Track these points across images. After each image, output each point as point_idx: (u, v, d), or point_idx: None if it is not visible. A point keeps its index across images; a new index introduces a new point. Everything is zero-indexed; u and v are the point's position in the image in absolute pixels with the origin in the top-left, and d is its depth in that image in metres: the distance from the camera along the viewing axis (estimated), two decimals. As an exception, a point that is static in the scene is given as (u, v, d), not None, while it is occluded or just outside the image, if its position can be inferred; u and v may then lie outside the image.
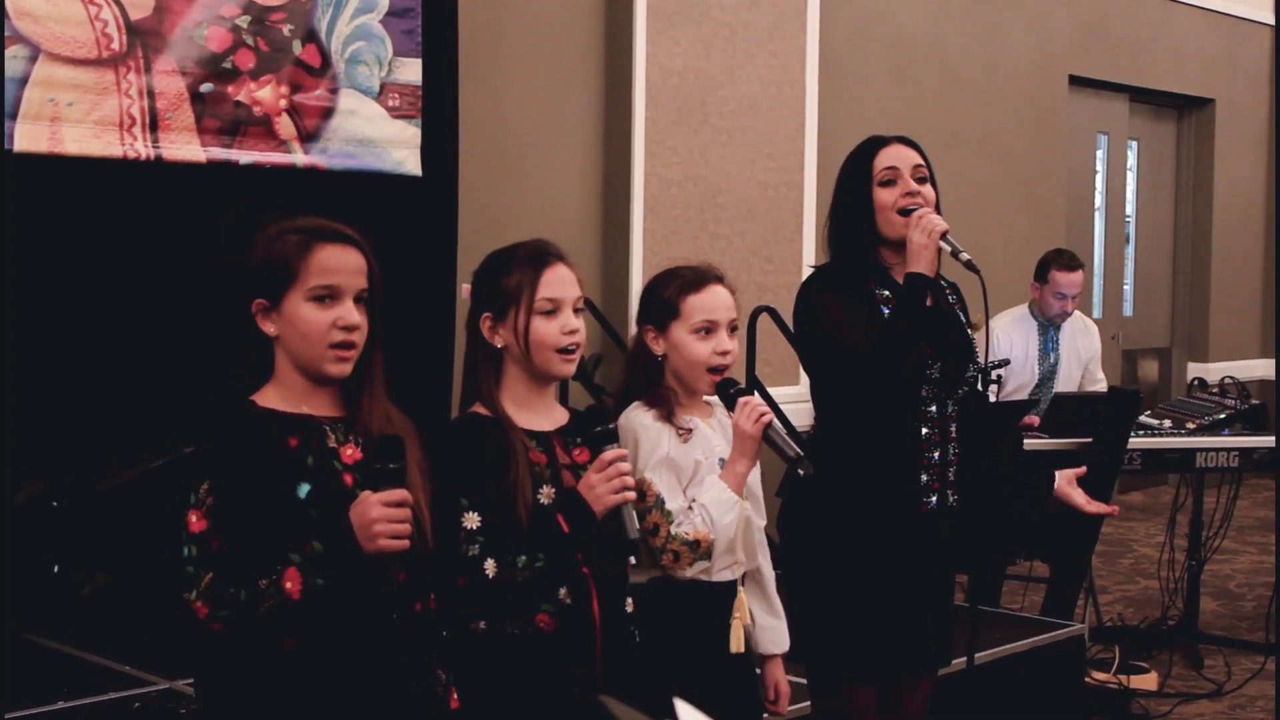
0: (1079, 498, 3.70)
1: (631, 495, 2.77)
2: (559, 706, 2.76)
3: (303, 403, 2.56)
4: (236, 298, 2.57)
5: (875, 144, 3.59)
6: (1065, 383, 6.59)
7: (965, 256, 3.44)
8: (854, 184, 3.58)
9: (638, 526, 2.78)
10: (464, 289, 2.97)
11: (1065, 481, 3.70)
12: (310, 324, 2.52)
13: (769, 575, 3.36)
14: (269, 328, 2.56)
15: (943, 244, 3.45)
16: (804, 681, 3.69)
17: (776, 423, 3.10)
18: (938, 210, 3.57)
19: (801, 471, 3.13)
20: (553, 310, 2.83)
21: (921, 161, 3.57)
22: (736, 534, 3.11)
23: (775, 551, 3.53)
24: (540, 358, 2.83)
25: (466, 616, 2.75)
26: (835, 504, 3.53)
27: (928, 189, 3.55)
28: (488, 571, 2.70)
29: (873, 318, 3.48)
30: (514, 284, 2.84)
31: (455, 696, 2.69)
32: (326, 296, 2.53)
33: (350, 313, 2.54)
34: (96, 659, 3.85)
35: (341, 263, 2.55)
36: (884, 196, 3.53)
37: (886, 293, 3.52)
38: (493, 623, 2.75)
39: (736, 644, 3.15)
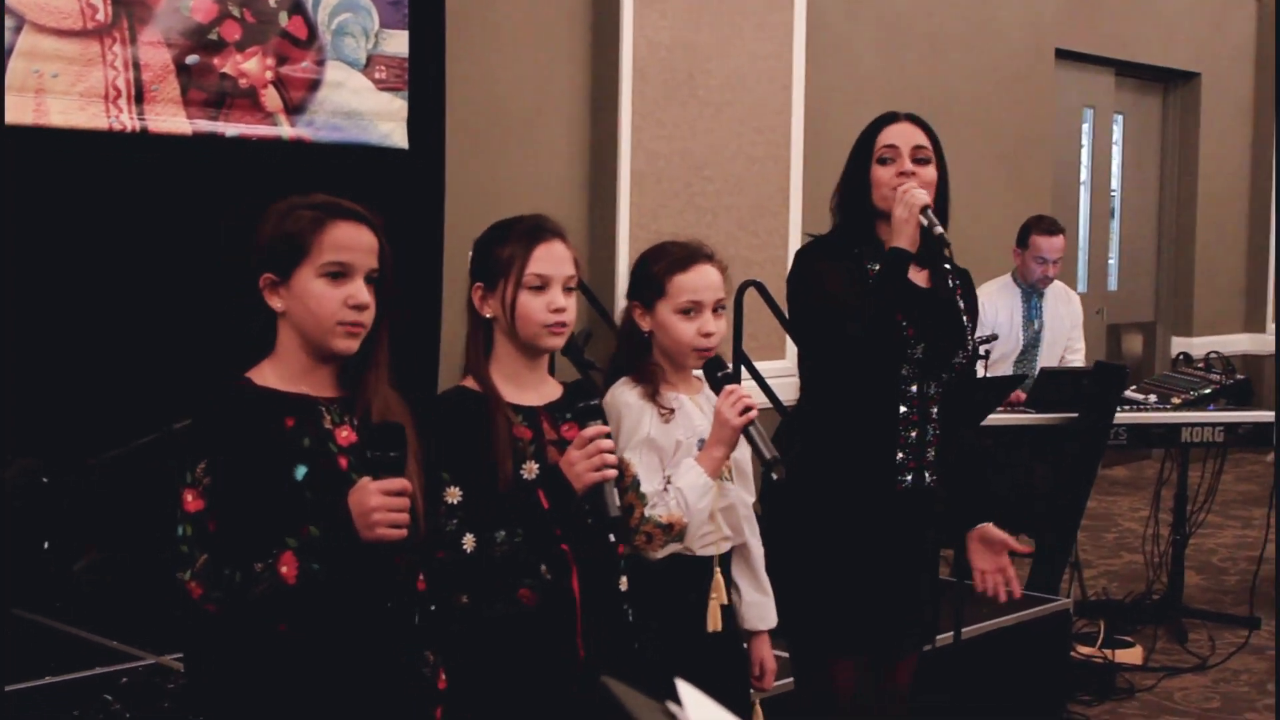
0: (997, 537, 3.72)
1: (612, 473, 2.76)
2: (541, 682, 2.76)
3: (301, 382, 2.55)
4: (243, 271, 2.55)
5: (883, 120, 3.63)
6: (1049, 349, 6.63)
7: (938, 230, 3.46)
8: (856, 158, 3.62)
9: (619, 504, 2.77)
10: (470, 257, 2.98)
11: (977, 539, 3.72)
12: (321, 300, 2.51)
13: (757, 551, 3.36)
14: (276, 303, 2.54)
15: (921, 218, 3.46)
16: (788, 656, 3.70)
17: (757, 421, 3.09)
18: (945, 192, 3.59)
19: (775, 475, 3.13)
20: (541, 286, 2.83)
21: (925, 142, 3.58)
22: (715, 512, 3.11)
23: (759, 523, 3.54)
24: (526, 331, 2.84)
25: (448, 591, 2.76)
26: (814, 478, 3.55)
27: (927, 170, 3.56)
28: (466, 546, 2.70)
29: (862, 288, 3.49)
30: (505, 256, 2.84)
31: (443, 676, 2.69)
32: (338, 273, 2.51)
33: (361, 291, 2.53)
34: (83, 634, 3.84)
35: (355, 240, 2.54)
36: (880, 173, 3.56)
37: (877, 266, 3.54)
38: (474, 597, 2.75)
39: (714, 623, 3.15)
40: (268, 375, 2.55)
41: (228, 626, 2.45)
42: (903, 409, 3.55)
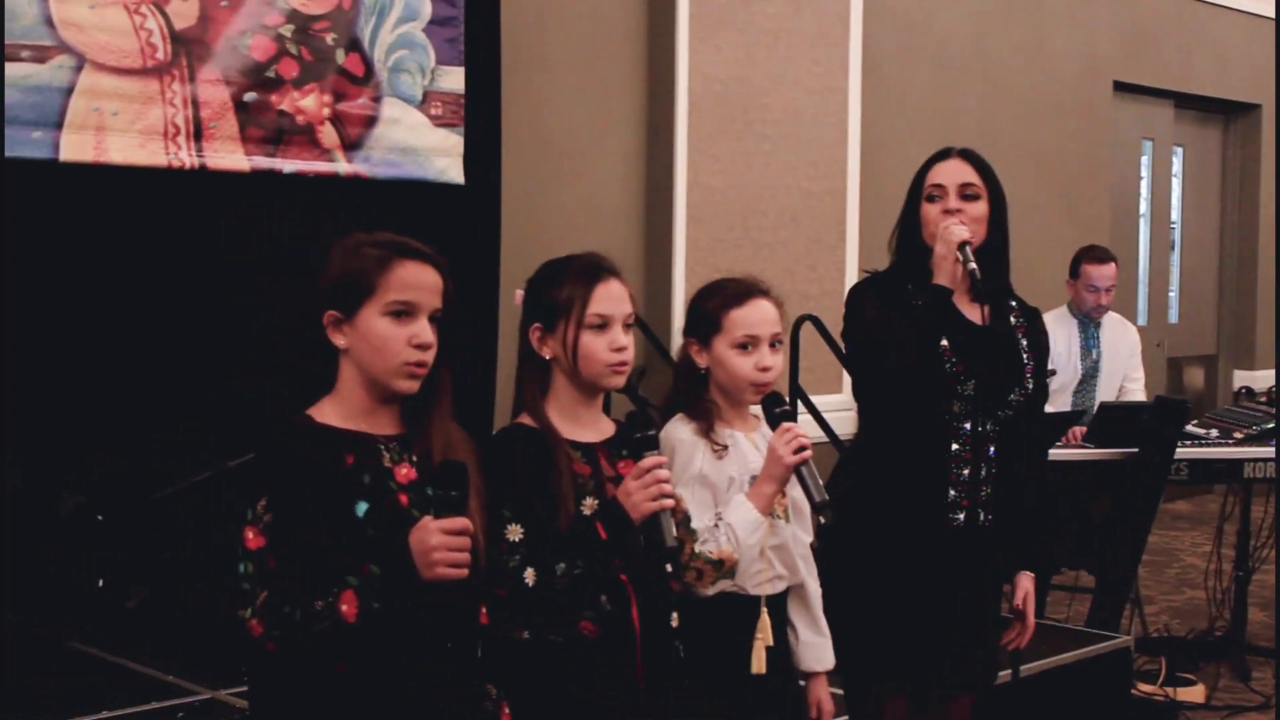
0: (1028, 604, 3.71)
1: (670, 503, 2.74)
2: (601, 713, 2.75)
3: (361, 420, 2.55)
4: (309, 308, 2.56)
5: (936, 158, 3.63)
6: (1108, 379, 6.57)
7: (971, 266, 3.44)
8: (909, 195, 3.64)
9: (675, 534, 2.75)
10: (517, 295, 2.96)
11: (1027, 580, 3.70)
12: (385, 338, 2.50)
13: (814, 591, 3.33)
14: (339, 340, 2.54)
15: (957, 254, 3.44)
16: (840, 692, 3.68)
17: (811, 462, 3.07)
18: (1001, 225, 3.57)
19: (823, 519, 3.10)
20: (602, 325, 2.82)
21: (974, 179, 3.56)
22: (766, 550, 3.09)
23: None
24: (589, 372, 2.82)
25: (510, 626, 2.75)
26: (866, 515, 3.54)
27: (975, 206, 3.54)
28: (527, 580, 2.69)
29: (908, 323, 3.49)
30: (565, 297, 2.83)
31: (507, 711, 2.68)
32: (403, 313, 2.51)
33: (425, 331, 2.52)
34: (141, 668, 3.86)
35: (420, 280, 2.53)
36: (928, 211, 3.57)
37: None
38: (535, 631, 2.74)
39: (758, 665, 3.11)
40: (327, 413, 2.55)
41: (288, 664, 2.45)
42: (954, 446, 3.52)
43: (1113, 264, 6.54)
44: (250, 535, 2.42)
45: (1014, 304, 3.67)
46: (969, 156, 3.61)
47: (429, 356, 2.54)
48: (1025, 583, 3.69)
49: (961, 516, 3.54)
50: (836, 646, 3.44)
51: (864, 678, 3.60)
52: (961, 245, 3.44)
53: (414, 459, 2.55)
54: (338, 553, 2.42)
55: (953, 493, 3.53)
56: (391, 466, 2.53)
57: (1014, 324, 3.63)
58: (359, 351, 2.53)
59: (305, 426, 2.52)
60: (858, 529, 3.52)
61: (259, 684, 2.56)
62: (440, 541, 2.40)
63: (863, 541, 3.53)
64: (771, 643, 3.14)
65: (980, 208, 3.55)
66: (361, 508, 2.46)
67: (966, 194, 3.54)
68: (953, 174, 3.56)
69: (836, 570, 3.53)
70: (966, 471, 3.53)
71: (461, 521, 2.43)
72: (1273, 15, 10.37)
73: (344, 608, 2.39)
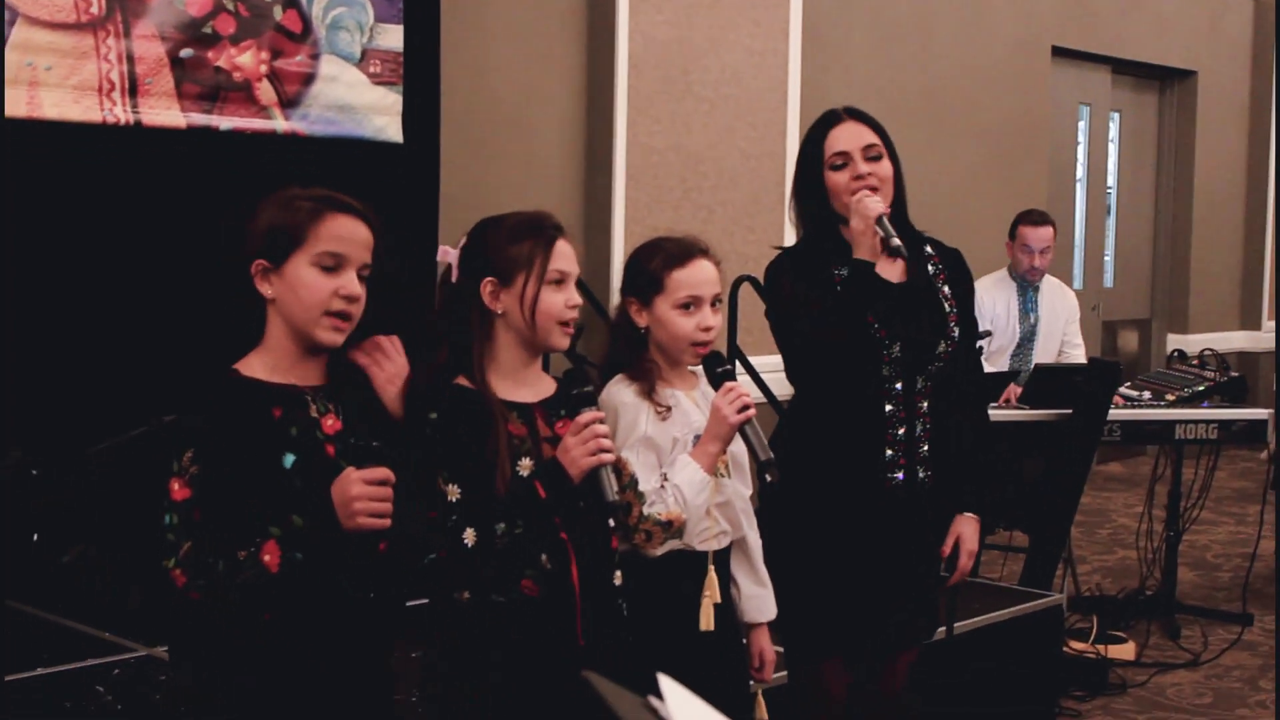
0: (969, 541, 3.69)
1: (609, 457, 2.75)
2: (541, 670, 2.76)
3: (288, 372, 2.56)
4: (236, 257, 2.57)
5: (827, 123, 3.56)
6: (1045, 342, 6.65)
7: (895, 243, 3.41)
8: (807, 166, 3.57)
9: (616, 489, 2.76)
10: (444, 251, 2.95)
11: (963, 522, 3.69)
12: (311, 288, 2.52)
13: (755, 544, 3.36)
14: (266, 289, 2.55)
15: (876, 228, 3.42)
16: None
17: (755, 420, 3.09)
18: (899, 180, 3.56)
19: (769, 477, 3.12)
20: (560, 281, 2.83)
21: (875, 140, 3.52)
22: (711, 508, 3.11)
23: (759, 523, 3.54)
24: (543, 328, 2.82)
25: (450, 587, 2.76)
26: (804, 477, 3.54)
27: (882, 165, 3.51)
28: (467, 541, 2.70)
29: (826, 300, 3.48)
30: (525, 252, 2.82)
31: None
32: (332, 266, 2.53)
33: (353, 283, 2.54)
34: (76, 625, 3.84)
35: (351, 233, 2.56)
36: (835, 180, 3.51)
37: (844, 272, 3.51)
38: (477, 592, 2.75)
39: (706, 622, 3.13)
40: (255, 366, 2.56)
41: (211, 614, 2.46)
42: (888, 407, 3.53)
43: (1049, 227, 6.60)
44: (176, 487, 2.43)
45: (929, 250, 3.65)
46: (862, 117, 3.56)
47: (355, 309, 2.56)
48: (959, 525, 3.67)
49: (900, 475, 3.55)
50: (778, 607, 3.48)
51: (806, 638, 3.61)
52: (879, 219, 3.41)
53: (339, 409, 2.56)
54: (263, 504, 2.43)
55: (890, 452, 3.54)
56: (318, 417, 2.55)
57: (933, 273, 3.62)
58: (285, 301, 2.54)
59: (232, 380, 2.54)
60: (798, 492, 3.53)
61: (181, 634, 2.58)
62: (361, 491, 2.43)
63: (803, 505, 3.54)
64: (719, 600, 3.17)
65: (886, 167, 3.51)
66: (289, 460, 2.48)
67: (870, 155, 3.50)
68: (853, 138, 3.51)
69: (777, 533, 3.56)
70: (902, 430, 3.55)
71: (382, 471, 2.45)
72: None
73: (266, 558, 2.41)
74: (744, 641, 3.35)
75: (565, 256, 2.85)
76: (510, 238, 2.84)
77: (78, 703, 3.46)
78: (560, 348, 2.90)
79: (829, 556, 3.54)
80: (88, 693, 3.50)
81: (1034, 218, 6.61)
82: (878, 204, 3.43)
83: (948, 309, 3.61)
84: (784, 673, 3.74)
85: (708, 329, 3.14)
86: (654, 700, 1.35)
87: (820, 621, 3.57)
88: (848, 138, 3.51)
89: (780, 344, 3.62)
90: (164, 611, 2.53)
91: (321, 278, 2.53)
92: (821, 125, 3.57)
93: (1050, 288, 6.77)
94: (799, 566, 3.54)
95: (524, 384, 2.87)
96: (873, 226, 3.41)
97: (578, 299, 2.86)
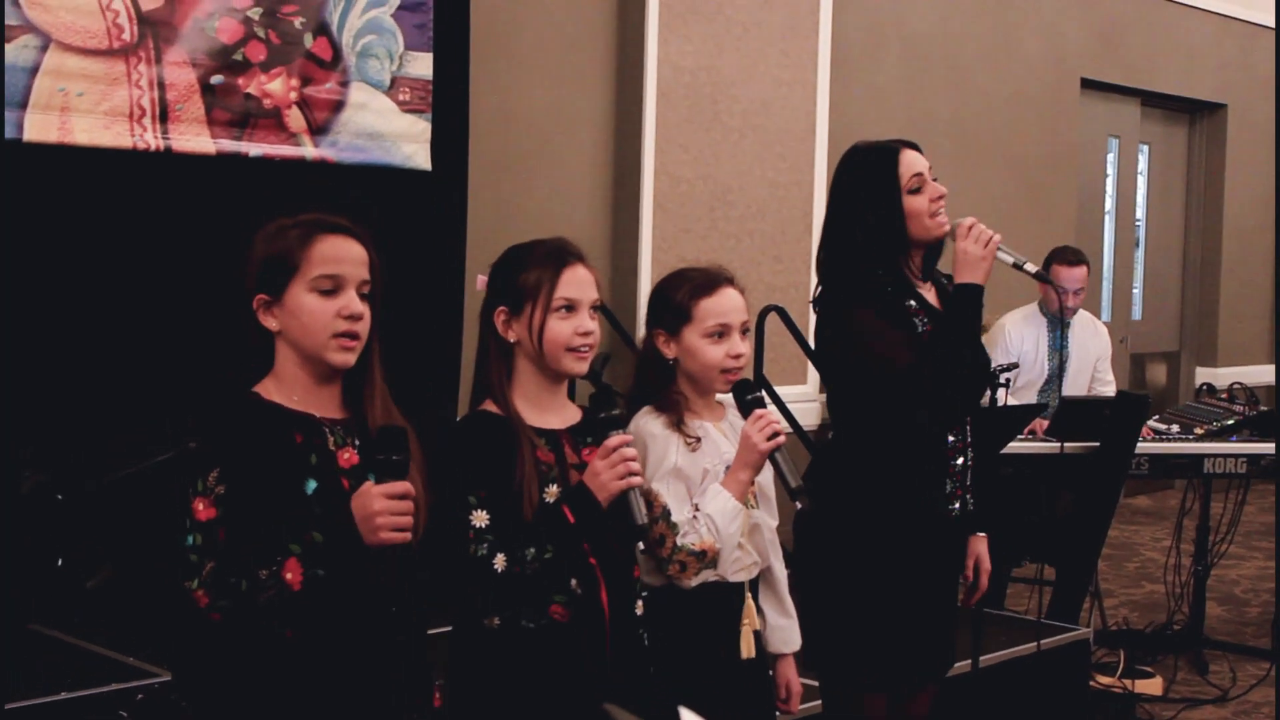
0: (985, 560, 3.72)
1: (637, 480, 2.75)
2: (571, 695, 2.75)
3: (304, 402, 2.55)
4: (237, 294, 2.56)
5: (892, 150, 3.55)
6: (1074, 379, 6.60)
7: (1031, 267, 3.45)
8: (881, 192, 3.51)
9: (644, 512, 2.76)
10: (480, 280, 2.96)
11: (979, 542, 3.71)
12: (314, 314, 2.51)
13: (781, 575, 3.35)
14: (271, 323, 2.54)
15: (1001, 255, 3.45)
16: (815, 683, 3.69)
17: (785, 448, 3.08)
18: None
19: (799, 504, 3.11)
20: (569, 308, 2.82)
21: (929, 168, 3.56)
22: (742, 539, 3.11)
23: (789, 556, 3.52)
24: (553, 355, 2.82)
25: (480, 614, 2.75)
26: (858, 512, 3.52)
27: (944, 190, 3.54)
28: (497, 566, 2.69)
29: (907, 331, 3.47)
30: (532, 280, 2.82)
31: (437, 696, 2.69)
32: (330, 289, 2.52)
33: (354, 302, 2.53)
34: (100, 650, 3.85)
35: (344, 253, 2.54)
36: (915, 203, 3.50)
37: (914, 303, 3.50)
38: (507, 617, 2.75)
39: (747, 649, 3.14)
40: (272, 392, 2.56)
41: (234, 634, 2.45)
42: (950, 438, 3.53)
43: (1084, 267, 6.56)
44: (200, 507, 2.43)
45: (945, 282, 3.64)
46: (915, 146, 3.58)
47: (360, 328, 2.54)
48: (975, 546, 3.71)
49: (957, 506, 3.55)
50: (818, 644, 3.47)
51: (851, 671, 3.56)
52: (1001, 245, 3.46)
53: (356, 443, 2.56)
54: (286, 526, 2.43)
55: (949, 484, 3.54)
56: (335, 450, 2.54)
57: None
58: (291, 330, 2.53)
59: (255, 402, 2.53)
60: (848, 524, 3.51)
61: (197, 656, 2.57)
62: (383, 506, 2.42)
63: (855, 536, 3.51)
64: (759, 626, 3.17)
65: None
66: (311, 485, 2.47)
67: (932, 179, 3.54)
68: (922, 163, 3.53)
69: (818, 564, 3.54)
70: (960, 460, 3.55)
71: (403, 485, 2.44)
72: (1239, 16, 10.46)
73: (288, 575, 2.41)
74: (770, 673, 3.34)
75: (575, 284, 2.83)
76: (520, 267, 2.85)
77: (101, 727, 3.47)
78: (577, 373, 2.89)
79: (886, 589, 3.49)
80: (111, 718, 3.50)
81: (1069, 257, 6.55)
82: (994, 232, 3.46)
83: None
84: (815, 703, 3.72)
85: (738, 356, 3.14)
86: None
87: (871, 655, 3.53)
88: (918, 163, 3.53)
89: (849, 379, 3.56)
90: (180, 632, 2.53)
91: (322, 302, 2.51)
92: (885, 152, 3.54)
93: (1082, 323, 6.72)
94: (847, 599, 3.52)
95: (549, 410, 2.87)
96: (993, 252, 3.44)
97: (589, 325, 2.84)
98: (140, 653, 3.76)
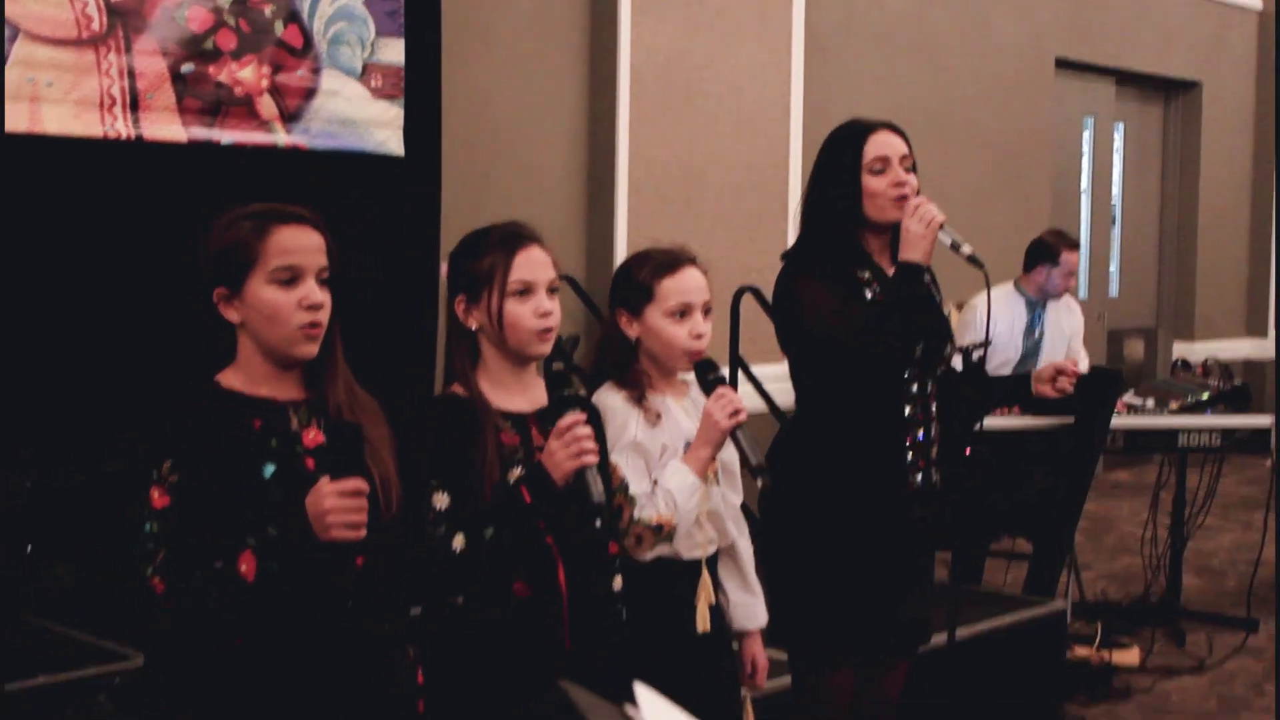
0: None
1: (592, 459, 2.75)
2: (527, 673, 2.77)
3: (267, 386, 2.56)
4: (196, 288, 2.57)
5: (864, 129, 3.58)
6: (1048, 358, 6.62)
7: (967, 250, 3.47)
8: (842, 168, 3.56)
9: (601, 489, 2.77)
10: (443, 269, 2.97)
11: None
12: (275, 306, 2.51)
13: (745, 552, 3.37)
14: (232, 315, 2.54)
15: (941, 235, 3.47)
16: (783, 658, 3.71)
17: (746, 426, 3.10)
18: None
19: (760, 483, 3.13)
20: (526, 292, 2.83)
21: (908, 151, 3.58)
22: (700, 516, 3.13)
23: (755, 530, 3.54)
24: (515, 340, 2.83)
25: (441, 593, 2.77)
26: (819, 487, 3.54)
27: (913, 178, 3.56)
28: (456, 547, 2.71)
29: (856, 302, 3.49)
30: (486, 266, 2.83)
31: (420, 673, 2.71)
32: (289, 278, 2.52)
33: (314, 291, 2.52)
34: (78, 634, 3.86)
35: (301, 242, 2.54)
36: (874, 184, 3.53)
37: (868, 274, 3.54)
38: (470, 596, 2.77)
39: (703, 624, 3.16)
40: (234, 380, 2.56)
41: (190, 624, 2.46)
42: (908, 410, 3.55)
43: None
44: (156, 495, 2.44)
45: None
46: (896, 129, 3.61)
47: (322, 316, 2.54)
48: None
49: (919, 478, 3.57)
50: (785, 620, 3.49)
51: (818, 647, 3.59)
52: (943, 226, 3.47)
53: (321, 422, 2.56)
54: (241, 514, 2.44)
55: (910, 456, 3.56)
56: (299, 430, 2.55)
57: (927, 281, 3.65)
58: (253, 323, 2.54)
59: (212, 391, 2.54)
60: (811, 500, 3.53)
61: (161, 643, 2.58)
62: (335, 504, 2.41)
63: (818, 512, 3.53)
64: (714, 601, 3.19)
65: (915, 181, 3.57)
66: (269, 470, 2.48)
67: (906, 166, 3.55)
68: (894, 147, 3.55)
69: (783, 541, 3.56)
70: (920, 433, 3.57)
71: (355, 482, 2.44)
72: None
73: (243, 568, 2.41)
74: (734, 648, 3.36)
75: (529, 266, 2.84)
76: (474, 254, 2.86)
77: (79, 711, 3.48)
78: (541, 354, 2.89)
79: (849, 563, 3.52)
80: (89, 701, 3.51)
81: (1071, 241, 6.63)
82: (939, 212, 3.48)
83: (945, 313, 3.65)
84: (784, 678, 3.74)
85: (699, 336, 3.16)
86: (630, 709, 1.36)
87: (836, 630, 3.56)
88: (889, 145, 3.55)
89: (799, 348, 3.61)
90: (140, 619, 2.54)
91: (282, 293, 2.51)
92: (856, 131, 3.58)
93: (1057, 304, 6.76)
94: (812, 574, 3.54)
95: (515, 393, 2.88)
96: (935, 232, 3.46)
97: (547, 306, 2.84)
98: (117, 637, 3.77)
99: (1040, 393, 3.79)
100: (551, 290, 2.87)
